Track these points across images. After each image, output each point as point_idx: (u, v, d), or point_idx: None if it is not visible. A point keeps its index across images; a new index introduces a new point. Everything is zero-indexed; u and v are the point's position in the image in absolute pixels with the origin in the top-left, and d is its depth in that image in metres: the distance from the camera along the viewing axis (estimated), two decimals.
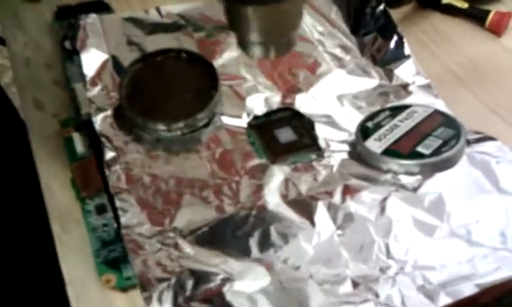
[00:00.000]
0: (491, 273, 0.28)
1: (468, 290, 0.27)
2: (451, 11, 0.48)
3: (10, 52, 0.44)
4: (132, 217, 0.30)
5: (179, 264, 0.27)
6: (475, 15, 0.48)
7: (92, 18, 0.42)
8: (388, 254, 0.29)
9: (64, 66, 0.41)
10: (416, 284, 0.28)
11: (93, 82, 0.38)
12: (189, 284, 0.26)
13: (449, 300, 0.26)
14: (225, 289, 0.26)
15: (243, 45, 0.30)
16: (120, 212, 0.30)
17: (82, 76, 0.38)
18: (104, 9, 0.46)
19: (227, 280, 0.27)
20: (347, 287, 0.27)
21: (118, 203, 0.30)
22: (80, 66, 0.39)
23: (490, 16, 0.47)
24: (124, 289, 0.28)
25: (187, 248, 0.28)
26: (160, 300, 0.25)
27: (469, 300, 0.27)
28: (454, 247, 0.29)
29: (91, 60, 0.39)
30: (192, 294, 0.26)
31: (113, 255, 0.29)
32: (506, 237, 0.30)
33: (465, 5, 0.48)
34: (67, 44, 0.42)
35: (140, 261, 0.27)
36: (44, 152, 0.36)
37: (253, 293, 0.26)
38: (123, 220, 0.29)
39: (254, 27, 0.28)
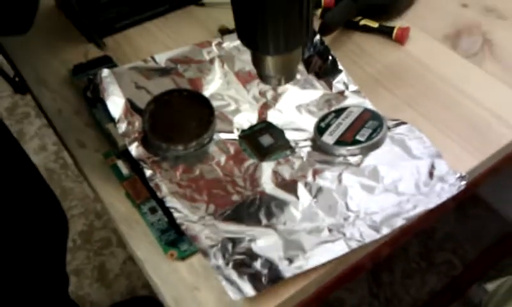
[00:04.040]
0: (412, 210, 0.44)
1: (399, 222, 0.43)
2: (367, 29, 0.65)
3: (42, 106, 0.56)
4: (180, 211, 0.44)
5: (219, 235, 0.42)
6: (384, 30, 0.64)
7: (105, 72, 0.55)
8: (348, 208, 0.45)
9: (92, 112, 0.54)
10: (367, 223, 0.44)
11: (120, 121, 0.51)
12: (229, 246, 0.41)
13: (389, 231, 0.43)
14: (252, 245, 0.42)
15: (262, 78, 0.43)
16: (171, 210, 0.44)
17: (109, 117, 0.52)
18: (108, 61, 0.59)
19: (251, 240, 0.42)
20: (325, 233, 0.43)
21: (167, 204, 0.44)
22: (106, 110, 0.52)
23: (395, 30, 0.63)
24: (183, 258, 0.43)
25: (221, 225, 0.43)
26: (215, 257, 0.40)
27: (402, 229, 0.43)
28: (387, 197, 0.46)
29: (114, 105, 0.52)
30: (232, 251, 0.41)
31: (171, 238, 0.44)
32: (419, 186, 0.47)
33: (376, 24, 0.64)
34: (89, 94, 0.55)
35: (195, 237, 0.42)
36: (97, 178, 0.49)
37: (269, 245, 0.42)
38: (176, 215, 0.43)
39: (271, 67, 0.42)
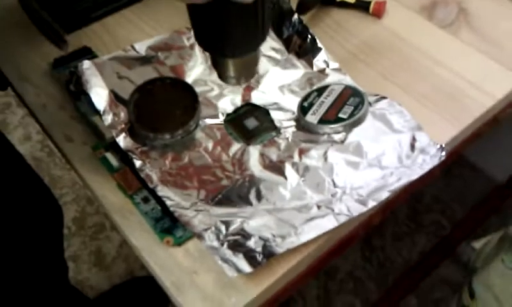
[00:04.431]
0: (396, 182, 0.46)
1: (384, 195, 0.45)
2: (344, 5, 0.65)
3: (26, 102, 0.56)
4: (172, 199, 0.45)
5: (212, 219, 0.44)
6: (361, 5, 0.65)
7: (86, 63, 0.55)
8: (334, 185, 0.47)
9: (76, 105, 0.54)
10: (354, 198, 0.45)
11: (105, 113, 0.52)
12: (223, 228, 0.43)
13: (375, 204, 0.44)
14: (244, 225, 0.43)
15: (222, 77, 0.45)
16: (164, 199, 0.45)
17: (94, 110, 0.52)
18: (88, 53, 0.59)
19: (244, 221, 0.43)
20: (314, 209, 0.45)
21: (159, 193, 0.46)
22: (90, 102, 0.52)
23: (372, 5, 0.64)
24: (179, 244, 0.44)
25: (213, 209, 0.45)
26: (209, 239, 0.42)
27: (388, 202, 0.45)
28: (372, 172, 0.47)
29: (98, 97, 0.52)
30: (226, 232, 0.42)
31: (166, 225, 0.45)
32: (401, 159, 0.48)
33: (353, 0, 0.66)
34: (72, 87, 0.55)
35: (189, 223, 0.43)
36: (87, 170, 0.50)
37: (261, 225, 0.43)
38: (168, 203, 0.44)
39: (231, 68, 0.43)
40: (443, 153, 0.48)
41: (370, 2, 0.64)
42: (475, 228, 1.15)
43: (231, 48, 0.40)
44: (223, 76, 0.44)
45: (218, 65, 0.43)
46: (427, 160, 0.47)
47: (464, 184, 1.26)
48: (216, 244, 0.41)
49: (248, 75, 0.45)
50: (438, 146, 0.48)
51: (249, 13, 0.37)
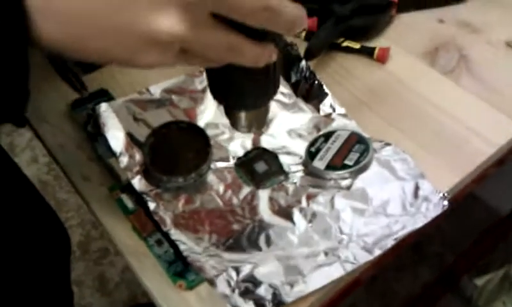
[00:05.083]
0: (401, 230, 0.48)
1: (389, 243, 0.47)
2: (349, 50, 0.68)
3: (44, 141, 0.58)
4: (185, 243, 0.47)
5: (223, 265, 0.46)
6: (366, 51, 0.68)
7: (103, 106, 0.57)
8: (341, 231, 0.49)
9: (94, 146, 0.57)
10: (360, 245, 0.47)
11: (122, 155, 0.54)
12: (234, 274, 0.45)
13: (380, 252, 0.46)
14: (254, 272, 0.45)
15: (234, 127, 0.47)
16: (177, 243, 0.47)
17: (111, 151, 0.54)
18: (105, 94, 0.62)
19: (254, 267, 0.45)
20: (322, 256, 0.47)
21: (172, 237, 0.48)
22: (107, 144, 0.55)
23: (376, 51, 0.67)
24: (191, 288, 0.46)
25: (224, 254, 0.47)
26: (221, 286, 0.44)
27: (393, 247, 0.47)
28: (377, 219, 0.49)
29: (115, 139, 0.55)
30: (237, 279, 0.44)
31: (178, 269, 0.47)
32: (405, 207, 0.50)
33: (358, 45, 0.68)
34: (89, 128, 0.58)
35: (201, 268, 0.45)
36: (103, 211, 0.52)
37: (271, 272, 0.45)
38: (182, 248, 0.46)
39: (242, 120, 0.45)
40: (446, 203, 0.50)
41: (374, 48, 0.67)
42: (478, 260, 1.16)
43: (243, 102, 0.42)
44: (234, 125, 0.46)
45: (230, 116, 0.45)
46: (430, 209, 0.49)
47: (467, 216, 1.27)
48: (227, 291, 0.43)
49: (259, 125, 0.47)
50: (441, 194, 0.50)
51: (261, 72, 0.39)
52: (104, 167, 0.55)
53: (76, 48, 0.28)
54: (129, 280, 1.20)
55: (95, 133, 0.57)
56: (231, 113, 0.44)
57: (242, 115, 0.44)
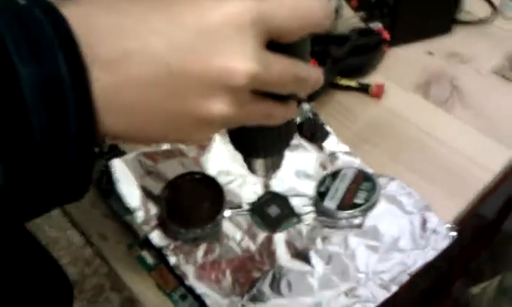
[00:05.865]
0: (413, 265, 0.50)
1: (404, 278, 0.49)
2: (346, 88, 0.71)
3: None
4: (210, 296, 0.49)
5: None
6: (362, 88, 0.71)
7: (117, 162, 0.59)
8: (358, 270, 0.51)
9: (108, 203, 0.58)
10: (377, 283, 0.49)
11: (137, 210, 0.55)
12: None
13: (397, 288, 0.48)
14: None
15: (253, 172, 0.49)
16: (202, 297, 0.48)
17: (125, 207, 0.56)
18: (115, 149, 0.63)
19: None
20: (342, 298, 0.49)
21: (197, 292, 0.49)
22: (121, 200, 0.56)
23: (372, 87, 0.70)
24: None
25: (250, 305, 0.48)
26: None
27: (408, 284, 0.49)
28: (391, 255, 0.52)
29: (129, 194, 0.56)
30: None
31: None
32: (416, 240, 0.52)
33: (354, 82, 0.71)
34: (103, 185, 0.59)
35: None
36: (124, 269, 0.53)
37: None
38: (208, 302, 0.48)
39: (262, 166, 0.47)
40: (454, 233, 0.52)
41: (369, 85, 0.70)
42: (467, 265, 1.18)
43: (264, 152, 0.45)
44: (253, 171, 0.48)
45: (249, 163, 0.47)
46: (439, 241, 0.52)
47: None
48: None
49: (275, 168, 0.49)
50: (448, 225, 0.53)
51: (282, 124, 0.41)
52: (119, 224, 0.57)
53: (137, 137, 0.30)
54: None
55: (108, 190, 0.58)
56: (250, 160, 0.46)
57: (261, 162, 0.46)
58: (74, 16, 0.26)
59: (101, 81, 0.27)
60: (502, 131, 0.64)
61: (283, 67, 0.32)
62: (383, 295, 0.48)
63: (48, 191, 0.28)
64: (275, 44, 0.32)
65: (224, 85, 0.29)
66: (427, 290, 1.19)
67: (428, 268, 0.51)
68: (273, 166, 0.48)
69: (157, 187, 0.58)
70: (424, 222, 0.54)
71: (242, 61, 0.29)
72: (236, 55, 0.29)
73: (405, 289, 0.53)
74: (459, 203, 0.58)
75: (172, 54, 0.28)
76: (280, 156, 0.47)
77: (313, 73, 0.34)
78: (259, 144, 0.43)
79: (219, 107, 0.30)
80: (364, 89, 0.70)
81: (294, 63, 0.33)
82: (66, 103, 0.26)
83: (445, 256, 0.52)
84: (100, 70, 0.27)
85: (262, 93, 0.33)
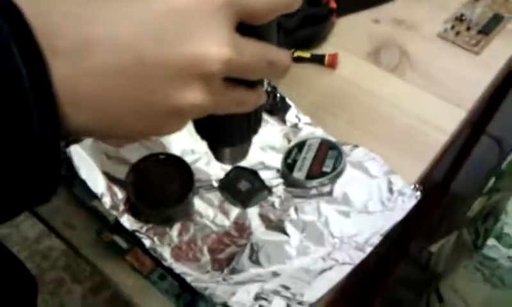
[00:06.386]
0: (385, 226, 0.52)
1: (377, 239, 0.51)
2: (301, 60, 0.72)
3: None
4: (190, 274, 0.48)
5: (233, 287, 0.47)
6: (317, 59, 0.71)
7: (74, 148, 0.56)
8: (332, 236, 0.52)
9: (72, 191, 0.56)
10: (352, 246, 0.51)
11: (103, 196, 0.54)
12: (245, 296, 0.46)
13: (371, 249, 0.50)
14: (264, 289, 0.47)
15: (220, 160, 0.47)
16: (183, 276, 0.48)
17: (91, 194, 0.54)
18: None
19: (262, 285, 0.47)
20: (320, 263, 0.50)
21: (176, 271, 0.48)
22: (85, 187, 0.54)
23: (326, 57, 0.71)
24: None
25: (230, 277, 0.48)
26: None
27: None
28: (362, 218, 0.53)
29: (93, 181, 0.54)
30: (249, 297, 0.46)
31: (187, 300, 0.48)
32: (384, 203, 0.54)
33: (308, 54, 0.71)
34: (63, 172, 0.57)
35: (212, 295, 0.46)
36: (97, 256, 0.51)
37: (279, 285, 0.47)
38: (189, 279, 0.47)
39: (228, 154, 0.46)
40: (418, 193, 0.54)
41: (324, 56, 0.71)
42: (421, 225, 1.24)
43: (230, 140, 0.44)
44: (220, 160, 0.47)
45: (216, 151, 0.46)
46: (405, 201, 0.54)
47: None
48: None
49: (243, 156, 0.48)
50: (412, 186, 0.55)
51: (245, 115, 0.41)
52: (84, 211, 0.55)
53: (106, 133, 0.29)
54: (91, 305, 1.18)
55: (69, 177, 0.56)
56: (216, 149, 0.45)
57: (228, 150, 0.45)
58: (29, 4, 0.24)
59: (61, 73, 0.25)
60: (453, 93, 0.67)
61: (255, 51, 0.31)
62: (359, 257, 0.49)
63: (14, 195, 0.26)
64: (244, 26, 0.31)
65: (197, 73, 0.28)
66: (385, 254, 1.23)
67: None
68: (240, 154, 0.47)
69: (120, 171, 0.56)
70: (390, 185, 0.55)
71: (215, 46, 0.28)
72: (209, 40, 0.28)
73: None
74: (419, 164, 0.60)
75: (139, 41, 0.26)
76: (248, 144, 0.47)
77: (283, 56, 0.34)
78: (227, 133, 0.42)
79: (193, 96, 0.28)
80: (318, 59, 0.71)
81: (265, 47, 0.32)
82: (25, 100, 0.24)
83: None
84: (60, 61, 0.25)
85: (233, 79, 0.32)
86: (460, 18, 0.76)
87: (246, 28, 0.30)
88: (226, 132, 0.42)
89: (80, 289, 1.19)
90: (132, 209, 0.53)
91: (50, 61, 0.25)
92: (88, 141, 0.58)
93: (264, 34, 0.33)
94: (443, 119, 0.65)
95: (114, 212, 0.53)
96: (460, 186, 1.29)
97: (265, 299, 0.46)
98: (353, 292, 1.16)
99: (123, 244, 0.52)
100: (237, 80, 0.32)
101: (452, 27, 0.76)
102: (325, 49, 0.73)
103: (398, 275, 1.20)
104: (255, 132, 0.45)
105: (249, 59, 0.30)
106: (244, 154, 0.48)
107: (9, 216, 0.27)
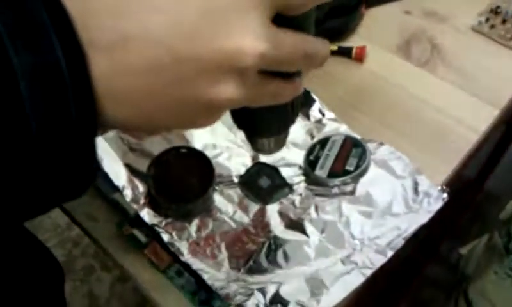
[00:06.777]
0: (408, 229, 0.50)
1: (400, 242, 0.49)
2: None
3: None
4: (207, 272, 0.48)
5: (249, 288, 0.47)
6: (344, 52, 0.70)
7: (98, 139, 0.57)
8: (353, 237, 0.51)
9: (95, 183, 0.56)
10: (373, 249, 0.49)
11: (125, 189, 0.54)
12: (260, 297, 0.46)
13: (393, 253, 0.49)
14: (280, 291, 0.46)
15: (257, 151, 0.46)
16: (199, 272, 0.48)
17: (113, 186, 0.54)
18: None
19: (278, 287, 0.47)
20: (339, 265, 0.48)
21: (193, 267, 0.48)
22: (107, 179, 0.54)
23: (353, 50, 0.69)
24: None
25: (247, 277, 0.48)
26: None
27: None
28: (385, 220, 0.52)
29: (115, 173, 0.54)
30: (265, 301, 0.46)
31: (203, 297, 0.47)
32: (409, 204, 0.53)
33: (335, 47, 0.70)
34: None
35: (228, 296, 0.46)
36: (116, 249, 0.52)
37: (295, 288, 0.47)
38: (205, 277, 0.47)
39: (266, 144, 0.45)
40: (445, 195, 0.52)
41: (352, 48, 0.69)
42: (451, 225, 1.21)
43: (269, 131, 0.43)
44: (257, 150, 0.46)
45: (253, 142, 0.46)
46: (431, 203, 0.52)
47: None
48: None
49: (280, 146, 0.48)
50: (439, 187, 0.53)
51: (282, 106, 0.40)
52: (107, 203, 0.55)
53: (141, 126, 0.29)
54: (119, 294, 1.19)
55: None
56: (254, 140, 0.45)
57: (265, 141, 0.45)
58: None
59: (99, 66, 0.25)
60: (486, 90, 0.65)
61: (293, 43, 0.31)
62: (380, 260, 0.48)
63: (49, 187, 0.26)
64: (280, 17, 0.30)
65: (232, 67, 0.28)
66: (412, 254, 1.21)
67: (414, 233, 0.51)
68: (277, 144, 0.47)
69: (142, 164, 0.56)
70: (415, 186, 0.54)
71: (251, 40, 0.28)
72: (244, 34, 0.27)
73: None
74: (448, 164, 0.58)
75: (175, 37, 0.26)
76: (286, 134, 0.46)
77: (321, 47, 0.33)
78: (265, 124, 0.42)
79: (228, 90, 0.28)
80: (346, 52, 0.69)
81: (303, 38, 0.31)
82: (65, 91, 0.24)
83: (431, 219, 0.52)
84: (98, 54, 0.25)
85: (269, 72, 0.32)
86: (495, 11, 0.73)
87: (282, 19, 0.30)
88: (264, 123, 0.42)
89: (109, 277, 1.21)
90: (152, 203, 0.53)
91: (88, 53, 0.24)
92: (111, 133, 0.58)
93: (301, 25, 0.33)
94: (475, 118, 0.62)
95: (135, 205, 0.53)
96: (494, 186, 1.24)
97: (281, 303, 0.45)
98: (379, 292, 1.15)
99: (142, 238, 0.52)
100: (273, 72, 0.32)
101: (487, 20, 0.72)
102: (353, 42, 0.71)
103: (428, 275, 1.18)
104: (292, 122, 0.44)
105: (286, 51, 0.30)
106: (281, 144, 0.47)
107: (44, 210, 0.28)
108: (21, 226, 0.68)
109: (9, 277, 0.60)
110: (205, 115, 0.30)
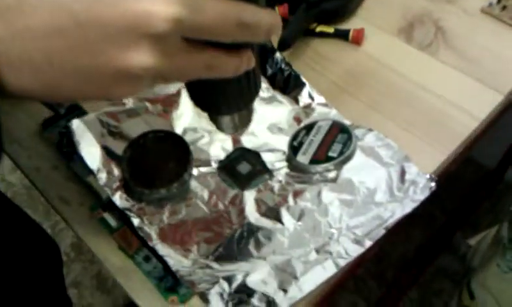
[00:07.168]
0: (390, 218, 0.47)
1: (380, 232, 0.46)
2: (323, 35, 0.67)
3: (20, 165, 0.57)
4: (173, 258, 0.46)
5: (215, 276, 0.44)
6: (341, 34, 0.66)
7: (76, 123, 0.55)
8: (330, 226, 0.48)
9: (70, 166, 0.55)
10: (350, 238, 0.46)
11: (99, 172, 0.52)
12: (226, 285, 0.44)
13: (371, 243, 0.46)
14: (247, 281, 0.44)
15: (220, 130, 0.45)
16: (165, 258, 0.46)
17: (88, 170, 0.53)
18: (77, 109, 0.60)
19: (246, 276, 0.44)
20: (313, 255, 0.46)
21: (160, 252, 0.46)
22: (83, 162, 0.53)
23: (351, 33, 0.66)
24: (184, 301, 0.45)
25: (215, 265, 0.46)
26: (214, 300, 0.43)
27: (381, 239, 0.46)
28: (365, 209, 0.48)
29: (90, 156, 0.53)
30: (229, 291, 0.43)
31: (169, 284, 0.45)
32: (393, 193, 0.49)
33: (332, 29, 0.66)
34: (64, 148, 0.56)
35: (192, 283, 0.44)
36: (87, 232, 0.50)
37: (263, 278, 0.44)
38: (170, 263, 0.45)
39: (228, 122, 0.43)
40: (433, 184, 0.49)
41: (349, 31, 0.65)
42: (468, 215, 1.16)
43: (227, 107, 0.41)
44: (220, 129, 0.44)
45: (215, 121, 0.44)
46: (417, 192, 0.49)
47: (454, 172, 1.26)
48: (220, 304, 0.42)
49: (244, 124, 0.45)
50: (428, 176, 0.49)
51: (242, 76, 0.38)
52: (82, 187, 0.54)
53: (48, 94, 0.27)
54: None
55: (69, 152, 0.55)
56: (215, 118, 0.43)
57: (227, 119, 0.43)
58: None
59: None
60: (490, 75, 0.60)
61: (220, 10, 0.28)
62: (356, 251, 0.45)
63: None
64: None
65: (144, 33, 0.26)
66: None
67: (426, 222, 0.48)
68: (241, 122, 0.44)
69: (120, 148, 0.54)
70: (402, 174, 0.50)
71: (162, 3, 0.25)
72: None
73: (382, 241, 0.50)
74: (442, 152, 0.54)
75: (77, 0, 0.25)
76: (248, 111, 0.44)
77: (265, 17, 0.30)
78: (220, 100, 0.40)
79: (141, 58, 0.26)
80: (343, 35, 0.66)
81: (235, 6, 0.29)
82: None
83: (443, 208, 0.49)
84: None
85: (203, 41, 0.29)
86: None
87: None
88: (219, 99, 0.40)
89: None
90: (126, 187, 0.52)
91: None
92: (91, 116, 0.57)
93: None
94: (476, 104, 0.58)
95: (108, 189, 0.51)
96: None
97: (246, 293, 0.43)
98: (390, 280, 1.11)
99: (113, 222, 0.50)
100: (212, 43, 0.30)
101: (499, 1, 0.68)
102: (352, 24, 0.67)
103: (440, 265, 1.13)
104: (251, 98, 0.42)
105: (210, 18, 0.28)
106: (245, 122, 0.45)
107: None
108: (15, 208, 0.68)
109: (6, 261, 0.60)
110: (120, 84, 0.27)
